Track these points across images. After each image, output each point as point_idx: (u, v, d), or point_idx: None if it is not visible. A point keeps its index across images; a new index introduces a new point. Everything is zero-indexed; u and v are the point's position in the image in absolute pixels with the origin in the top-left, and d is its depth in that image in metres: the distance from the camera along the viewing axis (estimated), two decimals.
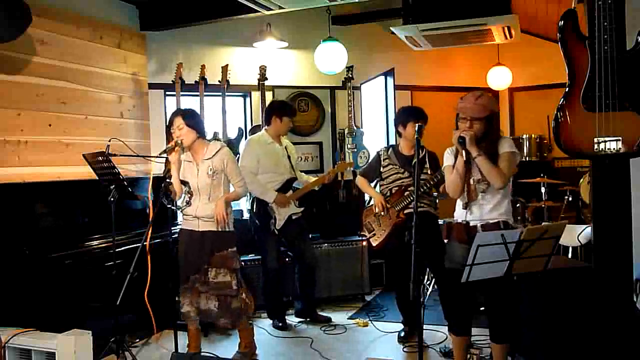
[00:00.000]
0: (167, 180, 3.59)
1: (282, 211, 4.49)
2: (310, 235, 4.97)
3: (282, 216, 4.49)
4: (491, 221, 3.07)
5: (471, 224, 3.10)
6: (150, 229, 3.41)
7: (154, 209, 3.56)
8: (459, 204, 3.17)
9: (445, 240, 3.28)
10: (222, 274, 3.63)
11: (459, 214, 3.17)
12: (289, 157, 4.60)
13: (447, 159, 3.21)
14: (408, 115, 4.12)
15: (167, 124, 3.73)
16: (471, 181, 3.08)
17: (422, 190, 4.05)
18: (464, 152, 3.02)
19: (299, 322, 4.74)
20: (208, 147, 3.70)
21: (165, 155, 3.63)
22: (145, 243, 3.36)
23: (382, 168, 4.22)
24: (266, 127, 4.60)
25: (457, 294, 3.20)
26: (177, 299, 3.71)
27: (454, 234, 3.16)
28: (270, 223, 4.47)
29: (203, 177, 3.66)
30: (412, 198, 4.02)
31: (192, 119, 3.66)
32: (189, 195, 3.70)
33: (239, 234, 3.86)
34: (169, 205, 3.54)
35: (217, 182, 3.66)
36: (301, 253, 4.66)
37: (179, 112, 3.73)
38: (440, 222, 4.69)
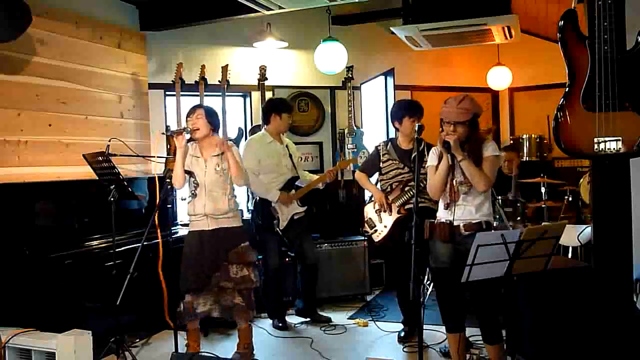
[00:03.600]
0: (167, 180, 3.60)
1: (285, 211, 4.50)
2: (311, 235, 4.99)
3: (285, 216, 4.50)
4: (474, 221, 3.12)
5: (454, 223, 3.12)
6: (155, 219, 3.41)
7: (154, 208, 3.56)
8: (441, 203, 3.21)
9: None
10: (241, 268, 3.65)
11: (442, 214, 3.21)
12: (290, 156, 4.60)
13: (432, 159, 3.24)
14: (403, 110, 4.12)
15: (187, 113, 3.75)
16: (454, 182, 3.12)
17: (422, 185, 4.05)
18: (448, 156, 3.06)
19: (299, 322, 4.74)
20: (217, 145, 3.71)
21: (171, 133, 3.66)
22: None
23: (381, 163, 4.21)
24: (266, 126, 4.60)
25: (447, 292, 3.23)
26: (183, 302, 3.68)
27: (437, 233, 3.19)
28: (273, 224, 4.47)
29: (211, 173, 3.66)
30: (412, 193, 4.02)
31: (212, 116, 3.72)
32: (195, 186, 3.69)
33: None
34: (169, 206, 3.54)
35: (224, 178, 3.67)
36: (303, 253, 4.67)
37: (203, 105, 3.81)
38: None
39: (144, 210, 4.58)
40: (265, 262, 4.61)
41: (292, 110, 4.71)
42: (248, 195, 4.96)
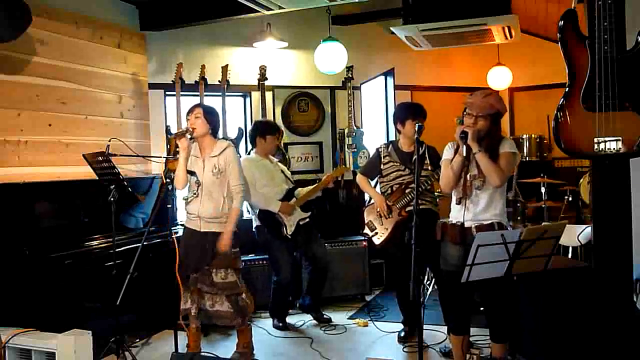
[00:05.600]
0: (168, 180, 3.60)
1: (290, 217, 4.52)
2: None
3: (291, 222, 4.52)
4: (485, 222, 3.09)
5: (466, 225, 3.10)
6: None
7: (154, 208, 3.56)
8: (454, 200, 3.19)
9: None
10: (230, 274, 3.64)
11: (454, 214, 3.19)
12: (282, 171, 4.67)
13: (447, 152, 3.23)
14: (406, 112, 4.11)
15: (187, 112, 3.75)
16: (468, 177, 3.09)
17: (422, 187, 4.05)
18: (464, 147, 3.04)
19: (299, 322, 4.75)
20: (216, 145, 3.70)
21: (174, 135, 3.65)
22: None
23: (382, 165, 4.21)
24: (254, 149, 4.65)
25: (455, 295, 3.21)
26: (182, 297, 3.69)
27: (448, 235, 3.17)
28: (281, 229, 4.48)
29: (208, 174, 3.65)
30: (412, 195, 4.01)
31: (211, 115, 3.69)
32: (197, 186, 3.68)
33: (241, 234, 3.86)
34: (169, 206, 3.54)
35: (220, 181, 3.66)
36: (314, 255, 4.70)
37: (201, 104, 3.79)
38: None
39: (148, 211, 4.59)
40: (277, 274, 4.60)
41: (277, 131, 4.75)
42: (249, 211, 4.93)
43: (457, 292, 3.17)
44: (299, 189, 4.72)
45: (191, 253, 3.66)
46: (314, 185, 4.72)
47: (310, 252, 4.70)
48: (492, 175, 3.03)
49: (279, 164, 4.79)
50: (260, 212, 4.53)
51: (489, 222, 3.09)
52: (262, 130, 4.62)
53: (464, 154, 3.06)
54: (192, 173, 3.68)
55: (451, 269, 3.15)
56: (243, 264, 3.80)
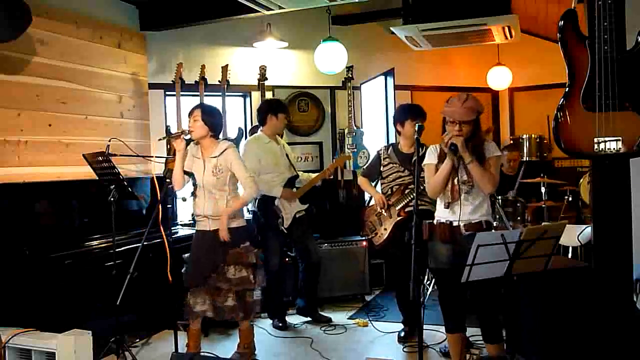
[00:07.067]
0: (167, 180, 3.60)
1: (288, 210, 4.52)
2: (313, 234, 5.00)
3: (289, 215, 4.51)
4: (474, 221, 3.11)
5: (454, 224, 3.11)
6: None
7: (154, 209, 3.55)
8: (440, 203, 3.20)
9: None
10: (240, 269, 3.64)
11: (442, 214, 3.19)
12: (287, 155, 4.63)
13: (430, 157, 3.22)
14: (406, 113, 4.13)
15: (188, 113, 3.73)
16: (455, 181, 3.10)
17: (422, 187, 4.05)
18: (456, 158, 3.04)
19: (299, 322, 4.75)
20: (217, 146, 3.70)
21: (168, 137, 3.65)
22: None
23: (382, 167, 4.23)
24: (262, 127, 4.61)
25: (448, 292, 3.22)
26: (186, 299, 3.68)
27: (437, 234, 3.18)
28: (278, 223, 4.48)
29: (209, 174, 3.65)
30: (412, 196, 4.02)
31: (210, 116, 3.65)
32: (194, 187, 3.68)
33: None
34: (169, 206, 3.54)
35: (222, 180, 3.65)
36: (307, 251, 4.68)
37: (201, 105, 3.76)
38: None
39: (145, 211, 4.58)
40: (266, 262, 4.61)
41: (287, 110, 4.72)
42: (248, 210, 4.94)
43: (450, 290, 3.19)
44: (302, 173, 4.73)
45: (205, 253, 3.66)
46: (316, 175, 4.71)
47: (304, 247, 4.69)
48: (485, 183, 3.05)
49: (285, 146, 4.72)
50: (260, 202, 4.53)
51: (477, 220, 3.11)
52: (275, 107, 4.56)
53: (456, 165, 3.07)
54: (189, 174, 3.68)
55: (441, 267, 3.17)
56: (256, 259, 3.77)
